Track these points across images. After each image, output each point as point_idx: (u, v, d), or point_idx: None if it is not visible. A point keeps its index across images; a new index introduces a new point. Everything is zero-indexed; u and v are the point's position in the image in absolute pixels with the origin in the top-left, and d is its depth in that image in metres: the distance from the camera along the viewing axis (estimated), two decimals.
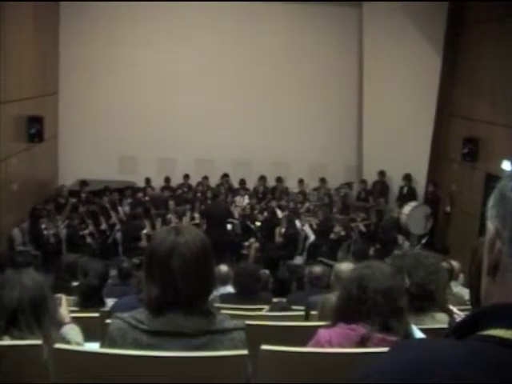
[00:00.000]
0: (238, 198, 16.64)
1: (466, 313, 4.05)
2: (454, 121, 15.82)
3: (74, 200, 15.45)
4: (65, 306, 3.98)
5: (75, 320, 4.00)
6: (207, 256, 2.69)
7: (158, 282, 2.61)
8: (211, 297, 2.81)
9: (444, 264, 6.73)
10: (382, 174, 16.93)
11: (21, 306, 3.22)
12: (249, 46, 17.50)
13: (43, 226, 13.65)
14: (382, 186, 17.01)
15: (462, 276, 8.14)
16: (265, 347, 2.89)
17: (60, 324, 3.72)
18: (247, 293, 7.13)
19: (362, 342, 2.93)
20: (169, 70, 17.32)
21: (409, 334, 2.98)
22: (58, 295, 4.05)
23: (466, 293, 6.93)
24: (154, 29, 17.27)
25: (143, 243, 13.64)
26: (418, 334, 3.05)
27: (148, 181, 17.16)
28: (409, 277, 3.60)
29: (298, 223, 14.95)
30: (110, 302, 6.55)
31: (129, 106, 17.30)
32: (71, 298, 6.29)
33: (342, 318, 3.09)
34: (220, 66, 17.52)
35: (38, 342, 2.95)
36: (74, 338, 3.64)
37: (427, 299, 3.73)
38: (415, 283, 3.66)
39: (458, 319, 3.78)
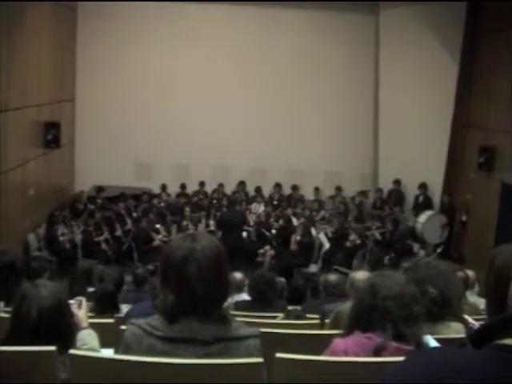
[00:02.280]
0: (253, 206, 16.64)
1: (481, 322, 4.03)
2: (470, 130, 15.76)
3: (92, 207, 15.50)
4: (84, 310, 3.97)
5: (90, 325, 4.00)
6: (223, 262, 2.69)
7: (173, 288, 2.61)
8: (226, 304, 2.80)
9: (459, 273, 6.70)
10: (397, 182, 16.88)
11: (40, 320, 3.20)
12: (264, 54, 17.53)
13: (59, 231, 13.70)
14: (397, 194, 16.96)
15: (477, 285, 8.10)
16: (280, 355, 2.89)
17: (78, 328, 3.72)
18: (263, 300, 7.12)
19: (378, 351, 2.92)
20: (185, 76, 17.39)
21: (422, 343, 2.97)
22: (79, 298, 4.06)
23: (481, 302, 6.90)
24: (171, 34, 17.36)
25: (157, 245, 13.70)
26: (433, 344, 3.03)
27: (164, 187, 17.21)
28: (432, 286, 3.57)
29: (313, 231, 14.92)
30: (124, 308, 6.56)
31: (145, 113, 17.37)
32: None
33: (357, 327, 3.09)
34: (236, 73, 17.57)
35: (52, 348, 2.95)
36: (90, 344, 3.64)
37: (447, 307, 3.70)
38: (439, 291, 3.62)
39: (474, 328, 3.75)
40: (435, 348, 1.80)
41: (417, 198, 16.66)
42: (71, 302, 3.73)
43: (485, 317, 4.86)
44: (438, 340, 3.06)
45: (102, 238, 14.23)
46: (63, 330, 3.30)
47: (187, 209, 15.52)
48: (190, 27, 17.26)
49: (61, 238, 13.58)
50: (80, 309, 3.92)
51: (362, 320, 3.08)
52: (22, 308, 3.23)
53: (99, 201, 15.80)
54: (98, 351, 3.63)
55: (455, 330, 3.57)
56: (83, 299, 4.05)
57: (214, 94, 17.46)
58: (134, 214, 15.54)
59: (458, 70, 15.81)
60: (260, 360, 2.64)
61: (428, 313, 3.42)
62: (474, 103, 15.60)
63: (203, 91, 17.41)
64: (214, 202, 16.75)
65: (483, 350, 1.21)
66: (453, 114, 16.06)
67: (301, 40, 17.59)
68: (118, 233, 14.66)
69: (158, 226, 14.65)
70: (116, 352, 3.22)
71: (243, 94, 17.66)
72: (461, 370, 1.15)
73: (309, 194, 17.68)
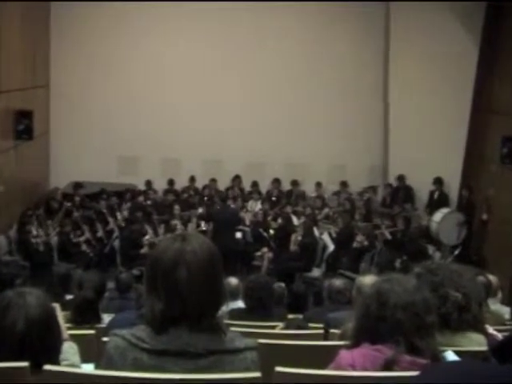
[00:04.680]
0: (250, 203, 16.62)
1: (505, 334, 4.02)
2: (491, 118, 15.75)
3: (68, 204, 15.45)
4: (61, 318, 3.95)
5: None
6: (216, 266, 2.68)
7: (161, 295, 2.60)
8: (220, 312, 2.79)
9: (480, 278, 6.70)
10: (401, 178, 16.88)
11: (28, 333, 3.16)
12: (262, 39, 17.51)
13: (32, 233, 13.65)
14: (404, 191, 16.92)
15: (500, 292, 8.10)
16: (279, 369, 2.88)
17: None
18: (259, 308, 7.12)
19: (388, 364, 2.90)
20: (173, 63, 17.38)
21: (439, 356, 2.95)
22: (53, 304, 4.03)
23: (505, 311, 6.91)
24: (157, 20, 17.27)
25: (144, 252, 13.68)
26: (451, 356, 3.01)
27: (149, 183, 17.20)
28: (455, 289, 3.55)
29: (315, 231, 14.91)
30: (106, 318, 6.56)
31: (129, 101, 17.32)
32: (64, 313, 6.27)
33: (363, 339, 3.08)
34: (231, 61, 17.54)
35: (24, 364, 2.93)
36: (70, 359, 3.61)
37: (469, 313, 3.65)
38: (463, 294, 3.58)
39: (498, 340, 3.74)
40: (454, 362, 1.79)
41: (431, 194, 16.64)
42: None
43: (509, 327, 4.87)
44: (456, 353, 3.05)
45: (81, 239, 14.21)
46: (52, 344, 3.28)
47: (176, 207, 15.50)
48: (181, 15, 17.21)
49: (34, 241, 13.54)
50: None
51: (369, 331, 3.06)
52: (6, 319, 3.19)
53: (77, 198, 15.75)
54: (79, 367, 3.61)
55: (476, 342, 3.55)
56: (57, 306, 4.02)
57: (207, 82, 17.39)
58: (118, 213, 15.51)
59: (479, 52, 15.79)
60: (257, 375, 2.64)
61: (446, 321, 3.41)
62: (496, 88, 15.59)
63: (194, 80, 17.36)
64: (206, 199, 16.74)
65: (508, 365, 1.21)
66: (472, 101, 16.05)
67: (301, 28, 17.52)
68: (99, 234, 14.64)
69: (146, 226, 14.66)
70: (97, 367, 3.21)
71: (238, 81, 17.63)
72: None
73: (310, 190, 17.67)
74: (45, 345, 3.19)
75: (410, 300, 3.00)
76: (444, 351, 2.98)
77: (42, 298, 3.34)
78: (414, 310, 2.97)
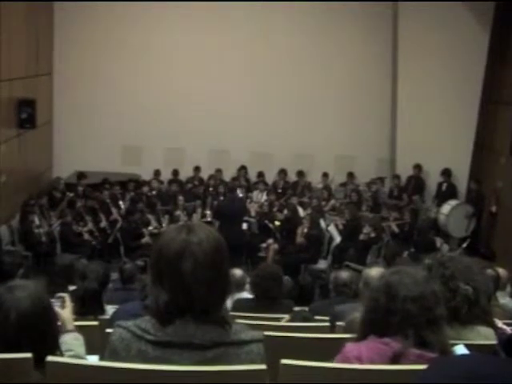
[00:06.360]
0: (255, 194, 16.59)
1: None
2: (501, 109, 15.70)
3: (71, 194, 15.44)
4: (69, 309, 3.92)
5: None
6: (223, 257, 2.67)
7: (166, 286, 2.59)
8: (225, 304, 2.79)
9: (489, 271, 6.70)
10: (417, 167, 16.79)
11: (20, 329, 3.10)
12: (271, 32, 17.43)
13: (35, 223, 13.66)
14: (417, 181, 16.88)
15: (509, 285, 8.09)
16: (285, 361, 2.89)
17: (61, 331, 3.67)
18: (268, 299, 7.13)
19: (396, 358, 2.90)
20: (179, 52, 17.34)
21: (448, 350, 2.94)
22: (62, 294, 4.00)
23: None
24: (165, 9, 17.15)
25: (145, 242, 13.70)
26: (461, 350, 3.00)
27: (157, 173, 17.21)
28: (465, 283, 3.54)
29: (322, 223, 14.90)
30: (110, 309, 6.56)
31: (133, 90, 17.29)
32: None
33: (371, 332, 3.07)
34: (238, 49, 17.48)
35: (27, 355, 2.93)
36: (75, 350, 3.60)
37: (478, 307, 3.65)
38: (473, 287, 3.58)
39: (507, 334, 3.74)
40: (461, 356, 1.78)
41: (439, 185, 16.61)
42: (53, 300, 3.61)
43: None
44: (465, 346, 3.04)
45: (84, 229, 14.20)
46: (48, 336, 3.25)
47: (180, 197, 15.50)
48: (188, 4, 17.06)
49: (36, 231, 13.55)
50: (64, 308, 3.87)
51: (378, 324, 3.05)
52: None
53: (80, 188, 15.76)
54: (84, 359, 3.59)
55: (485, 336, 3.55)
56: (66, 296, 4.00)
57: (212, 70, 17.39)
58: (121, 203, 15.50)
59: (489, 40, 15.72)
60: (263, 367, 2.64)
61: (456, 314, 3.40)
62: (506, 80, 15.52)
63: (199, 68, 17.35)
64: (211, 189, 16.72)
65: None
66: (482, 90, 15.99)
67: (316, 22, 17.42)
68: (103, 224, 14.63)
69: (149, 216, 14.66)
70: (101, 359, 3.21)
71: (245, 70, 17.60)
72: (492, 382, 1.15)
73: (317, 181, 17.64)
74: (41, 337, 3.17)
75: (419, 292, 2.98)
76: (454, 345, 2.97)
77: (32, 290, 3.25)
78: (424, 303, 2.95)
